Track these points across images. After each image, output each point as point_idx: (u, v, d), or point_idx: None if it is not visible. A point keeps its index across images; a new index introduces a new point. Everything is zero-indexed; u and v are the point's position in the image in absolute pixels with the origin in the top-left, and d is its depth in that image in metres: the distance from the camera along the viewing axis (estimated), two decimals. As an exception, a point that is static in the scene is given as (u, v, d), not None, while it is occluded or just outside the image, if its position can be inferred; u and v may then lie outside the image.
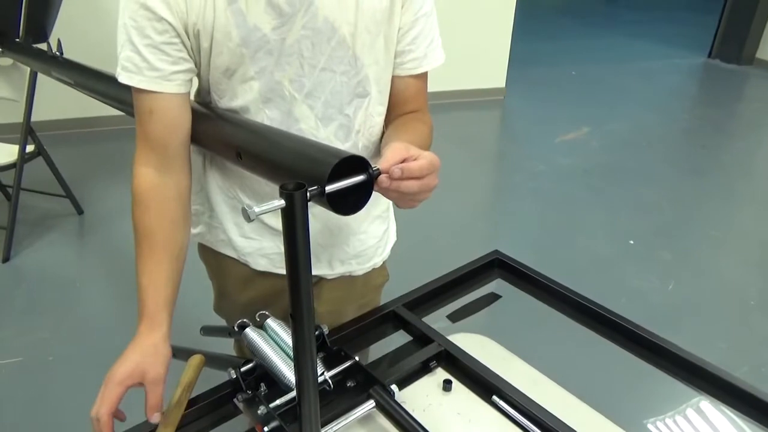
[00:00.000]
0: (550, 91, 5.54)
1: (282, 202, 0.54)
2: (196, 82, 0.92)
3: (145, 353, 0.79)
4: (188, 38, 0.83)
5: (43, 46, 2.26)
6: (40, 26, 2.52)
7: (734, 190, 3.68)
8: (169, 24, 0.80)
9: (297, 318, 0.60)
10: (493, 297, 1.13)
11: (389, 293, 1.13)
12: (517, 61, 5.10)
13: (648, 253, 2.88)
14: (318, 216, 1.00)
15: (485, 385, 0.88)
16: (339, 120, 0.93)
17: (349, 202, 0.63)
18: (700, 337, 2.26)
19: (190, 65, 0.85)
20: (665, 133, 4.59)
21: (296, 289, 0.59)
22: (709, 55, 6.76)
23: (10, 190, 2.75)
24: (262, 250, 1.03)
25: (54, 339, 2.18)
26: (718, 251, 2.98)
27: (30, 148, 2.71)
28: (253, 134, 0.83)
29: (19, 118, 2.66)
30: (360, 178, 0.61)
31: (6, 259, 2.63)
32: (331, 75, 0.88)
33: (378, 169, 0.63)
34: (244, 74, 0.86)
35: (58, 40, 1.91)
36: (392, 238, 1.17)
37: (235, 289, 1.10)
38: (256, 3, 0.81)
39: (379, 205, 1.09)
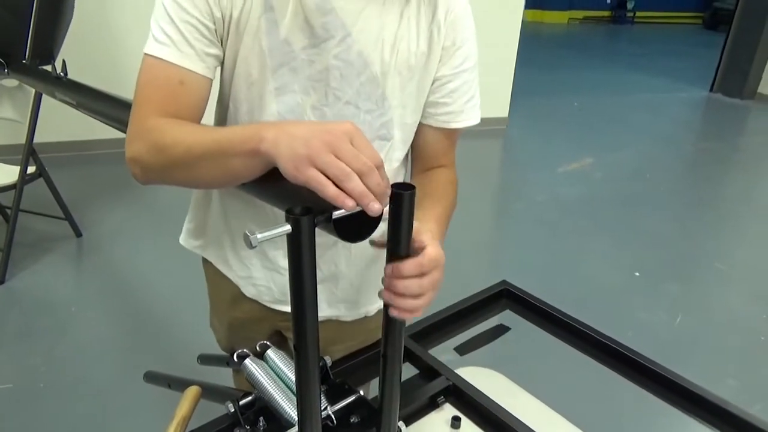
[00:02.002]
0: (552, 121, 5.57)
1: (288, 228, 0.51)
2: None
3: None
4: (223, 31, 0.79)
5: (49, 67, 2.26)
6: (47, 48, 2.53)
7: (739, 222, 3.66)
8: (210, 8, 0.77)
9: (301, 350, 0.57)
10: (502, 329, 1.09)
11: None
12: (520, 92, 5.13)
13: (654, 285, 2.84)
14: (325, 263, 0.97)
15: (495, 422, 0.84)
16: None
17: (355, 230, 0.60)
18: (710, 373, 2.21)
19: (221, 53, 0.81)
20: (669, 165, 4.59)
21: (301, 319, 0.55)
22: (711, 89, 6.82)
23: (9, 211, 2.72)
24: (252, 279, 1.00)
25: (46, 365, 2.13)
26: (725, 284, 2.94)
27: (31, 169, 2.70)
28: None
29: (21, 139, 2.65)
30: None
31: (1, 281, 2.58)
32: (355, 111, 0.85)
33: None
34: (264, 87, 0.83)
35: (63, 61, 1.91)
36: None
37: (223, 305, 1.08)
38: (293, 18, 0.78)
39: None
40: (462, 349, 1.04)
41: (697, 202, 3.92)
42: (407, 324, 1.02)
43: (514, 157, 4.85)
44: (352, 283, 1.01)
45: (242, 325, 1.07)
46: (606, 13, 13.44)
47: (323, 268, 0.99)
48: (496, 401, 0.86)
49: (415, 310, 0.65)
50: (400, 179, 0.98)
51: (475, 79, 0.93)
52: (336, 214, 0.55)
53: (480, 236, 3.38)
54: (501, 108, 5.05)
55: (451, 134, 0.95)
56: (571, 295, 2.65)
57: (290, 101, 0.84)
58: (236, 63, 0.82)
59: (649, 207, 3.74)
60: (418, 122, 0.93)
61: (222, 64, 0.84)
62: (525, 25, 4.87)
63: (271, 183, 0.64)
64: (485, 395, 0.87)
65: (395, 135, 0.90)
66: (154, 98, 0.77)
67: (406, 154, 0.97)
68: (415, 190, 0.58)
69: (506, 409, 0.84)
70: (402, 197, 0.57)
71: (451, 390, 0.90)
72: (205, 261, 1.09)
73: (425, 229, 0.68)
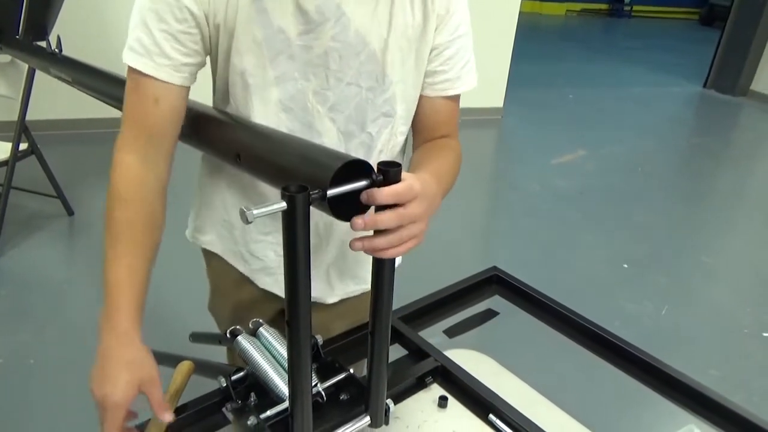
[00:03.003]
0: (547, 112, 5.58)
1: (283, 205, 0.52)
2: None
3: (133, 366, 0.73)
4: (209, 31, 0.79)
5: (44, 43, 2.24)
6: (41, 23, 2.50)
7: (727, 217, 3.70)
8: (191, 13, 0.76)
9: (293, 326, 0.58)
10: (491, 313, 1.11)
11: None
12: (516, 82, 5.13)
13: (642, 277, 2.87)
14: (334, 240, 0.99)
15: (481, 402, 0.85)
16: (361, 137, 0.90)
17: (351, 209, 0.61)
18: (693, 363, 2.24)
19: (200, 60, 0.82)
20: (660, 159, 4.62)
21: (294, 295, 0.57)
22: (705, 85, 6.85)
23: (0, 188, 2.71)
24: (268, 269, 1.01)
25: (36, 342, 2.13)
26: (712, 278, 2.98)
27: (23, 146, 2.69)
28: (255, 135, 0.81)
29: (14, 116, 2.63)
30: (363, 183, 0.59)
31: (-8, 258, 2.58)
32: (357, 90, 0.85)
33: (381, 176, 0.61)
34: (263, 78, 0.82)
35: (58, 37, 1.90)
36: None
37: (228, 288, 1.08)
38: (282, 5, 0.78)
39: None
40: (451, 332, 1.06)
41: (688, 197, 3.96)
42: (398, 305, 1.04)
43: (509, 148, 4.87)
44: (357, 259, 1.03)
45: (248, 307, 1.07)
46: (603, 6, 13.42)
47: (331, 249, 1.00)
48: (482, 382, 0.87)
49: (393, 245, 0.63)
50: (400, 156, 0.99)
51: (470, 43, 0.93)
52: (331, 192, 0.56)
53: (472, 225, 3.40)
54: (496, 98, 5.05)
55: (451, 102, 0.94)
56: (560, 285, 2.67)
57: (291, 89, 0.83)
58: (230, 59, 0.82)
59: (640, 200, 3.78)
60: (419, 95, 0.92)
61: (216, 62, 0.84)
62: (522, 16, 4.86)
63: (268, 161, 0.65)
64: (472, 376, 0.89)
65: (398, 110, 0.90)
66: (132, 115, 0.80)
67: (417, 131, 0.97)
68: (401, 167, 0.59)
69: (492, 389, 0.86)
70: (389, 173, 0.58)
71: (439, 371, 0.91)
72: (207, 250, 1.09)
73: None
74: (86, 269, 2.59)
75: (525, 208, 3.56)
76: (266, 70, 0.82)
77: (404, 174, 0.63)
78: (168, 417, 0.71)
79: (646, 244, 3.21)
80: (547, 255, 3.03)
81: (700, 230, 3.48)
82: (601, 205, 3.66)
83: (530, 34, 9.61)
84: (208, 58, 0.86)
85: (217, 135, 0.86)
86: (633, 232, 3.35)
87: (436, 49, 0.89)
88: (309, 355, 0.61)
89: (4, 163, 2.59)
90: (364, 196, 0.60)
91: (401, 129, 0.93)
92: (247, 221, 0.52)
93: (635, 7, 13.41)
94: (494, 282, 1.18)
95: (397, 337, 0.99)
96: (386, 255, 0.64)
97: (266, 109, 0.84)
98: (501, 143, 4.96)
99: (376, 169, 0.61)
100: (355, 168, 0.62)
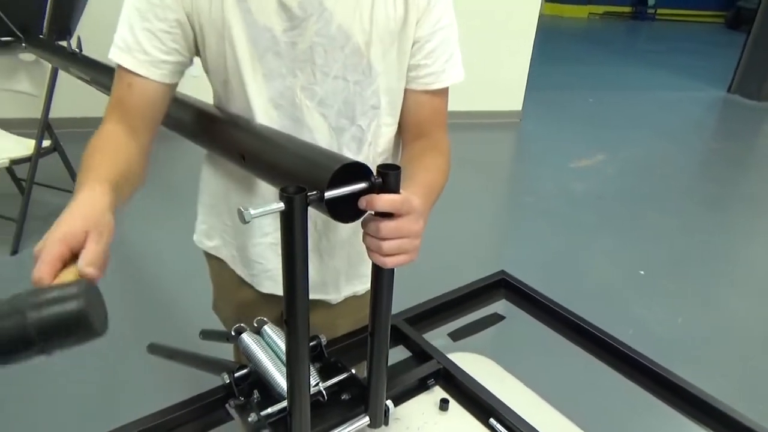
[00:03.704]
0: (566, 116, 5.54)
1: (281, 206, 0.53)
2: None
3: (82, 206, 0.64)
4: (192, 32, 0.83)
5: (65, 43, 2.28)
6: (64, 23, 2.55)
7: (747, 225, 3.63)
8: (173, 12, 0.80)
9: (291, 324, 0.59)
10: (497, 317, 1.11)
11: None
12: (536, 85, 5.10)
13: (658, 284, 2.84)
14: (345, 240, 1.00)
15: (483, 406, 0.85)
16: (351, 131, 0.91)
17: (350, 211, 0.61)
18: (707, 373, 2.21)
19: (182, 59, 0.85)
20: (681, 164, 4.56)
21: (292, 294, 0.58)
22: (729, 90, 6.73)
23: (23, 183, 2.77)
24: (269, 272, 1.03)
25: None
26: (730, 286, 2.93)
27: (46, 143, 2.74)
28: (258, 137, 0.83)
29: (38, 113, 2.68)
30: (361, 186, 0.60)
31: (14, 252, 2.64)
32: (344, 84, 0.87)
33: (380, 179, 0.61)
34: (253, 77, 0.85)
35: (78, 37, 1.93)
36: None
37: (231, 288, 1.10)
38: (266, 3, 0.80)
39: None
40: (456, 335, 1.06)
41: (708, 203, 3.90)
42: (403, 307, 1.05)
43: (527, 151, 4.84)
44: (364, 260, 1.04)
45: (250, 307, 1.08)
46: (627, 9, 13.27)
47: (344, 252, 1.02)
48: (484, 386, 0.88)
49: (391, 252, 0.64)
50: (391, 149, 0.99)
51: (453, 36, 0.92)
52: (328, 194, 0.57)
53: (486, 227, 3.39)
54: (515, 101, 5.03)
55: (436, 96, 0.94)
56: (574, 290, 2.66)
57: (279, 86, 0.85)
58: (219, 59, 0.84)
59: (658, 205, 3.73)
60: (403, 88, 0.93)
61: (203, 62, 0.87)
62: (543, 19, 4.83)
63: (270, 162, 0.66)
64: (474, 380, 0.89)
65: (383, 102, 0.91)
66: (114, 97, 0.85)
67: (398, 127, 0.97)
68: (400, 170, 0.60)
69: (494, 393, 0.86)
70: (388, 176, 0.59)
71: (442, 373, 0.91)
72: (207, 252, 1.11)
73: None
74: (104, 265, 2.63)
75: (541, 211, 3.54)
76: (255, 69, 0.84)
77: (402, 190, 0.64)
78: (92, 272, 0.60)
79: (664, 250, 3.17)
80: (561, 260, 3.01)
81: (719, 237, 3.43)
82: (619, 210, 3.62)
83: (551, 36, 9.54)
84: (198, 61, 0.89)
85: (223, 136, 0.88)
86: (651, 237, 3.31)
87: (418, 42, 0.89)
88: (307, 353, 0.62)
89: (27, 159, 2.64)
90: (362, 202, 0.62)
91: (386, 120, 0.94)
92: (244, 221, 0.53)
93: (659, 10, 13.23)
94: (502, 286, 1.18)
95: (401, 338, 1.00)
96: (376, 261, 0.65)
97: (259, 107, 0.87)
98: (519, 146, 4.93)
99: (375, 172, 0.61)
100: (354, 170, 0.63)
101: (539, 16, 4.75)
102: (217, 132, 0.90)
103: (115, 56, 0.83)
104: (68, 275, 0.58)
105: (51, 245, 0.59)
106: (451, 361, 0.93)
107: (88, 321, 0.51)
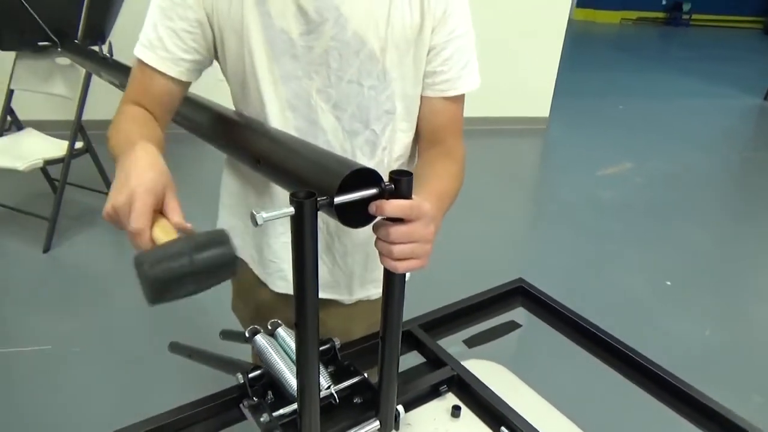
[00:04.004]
0: (595, 123, 5.47)
1: (291, 210, 0.54)
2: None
3: (157, 167, 0.67)
4: (212, 32, 0.86)
5: (97, 48, 2.34)
6: (98, 29, 2.63)
7: (780, 237, 3.54)
8: (194, 12, 0.83)
9: (301, 325, 0.60)
10: (513, 325, 1.10)
11: (408, 312, 1.12)
12: (564, 92, 5.05)
13: (685, 295, 2.78)
14: (360, 244, 1.00)
15: (495, 414, 0.85)
16: (365, 135, 0.92)
17: (360, 216, 0.62)
18: (735, 388, 2.15)
19: (200, 58, 0.88)
20: (712, 174, 4.46)
21: (302, 296, 0.59)
22: (766, 98, 6.57)
23: (56, 183, 2.85)
24: (282, 272, 1.04)
25: (83, 332, 2.23)
26: (759, 299, 2.85)
27: (79, 144, 2.82)
28: (272, 141, 0.84)
29: (71, 115, 2.77)
30: (371, 191, 0.61)
31: (46, 250, 2.72)
32: (358, 88, 0.88)
33: (391, 185, 0.62)
34: (270, 78, 0.87)
35: (109, 43, 1.99)
36: None
37: (249, 288, 1.12)
38: (284, 7, 0.82)
39: None
40: (471, 342, 1.05)
41: (738, 214, 3.81)
42: (421, 312, 1.05)
43: (553, 158, 4.79)
44: (378, 262, 1.05)
45: (267, 308, 1.10)
46: (660, 15, 13.04)
47: (359, 255, 1.02)
48: (497, 394, 0.87)
49: (402, 257, 0.65)
50: (407, 155, 1.00)
51: (469, 44, 0.92)
52: (338, 199, 0.58)
53: (509, 234, 3.36)
54: (542, 107, 4.99)
55: (452, 103, 0.95)
56: (597, 300, 2.63)
57: (296, 87, 0.87)
58: (238, 60, 0.87)
59: (687, 215, 3.65)
60: (419, 94, 0.94)
61: (221, 64, 0.89)
62: (574, 24, 4.79)
63: (283, 166, 0.67)
64: (487, 387, 0.89)
65: (397, 107, 0.92)
66: (131, 89, 0.90)
67: (414, 133, 0.98)
68: (412, 176, 0.61)
69: (507, 402, 0.86)
70: (400, 183, 0.60)
71: (455, 380, 0.91)
72: None
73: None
74: (133, 264, 2.68)
75: (565, 219, 3.50)
76: (272, 70, 0.86)
77: (414, 196, 0.64)
78: (189, 225, 0.65)
79: (692, 261, 3.11)
80: (586, 268, 2.97)
81: (749, 249, 3.34)
82: (646, 219, 3.56)
83: (582, 42, 9.44)
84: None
85: (239, 139, 0.90)
86: (678, 248, 3.24)
87: (434, 50, 0.90)
88: (317, 354, 0.63)
89: (61, 160, 2.72)
90: (372, 207, 0.62)
91: (401, 126, 0.95)
92: (256, 224, 0.54)
93: (694, 16, 12.97)
94: (519, 294, 1.17)
95: (415, 344, 1.00)
96: (387, 265, 0.66)
97: (275, 108, 0.89)
98: (545, 153, 4.88)
99: (387, 178, 0.62)
100: (365, 176, 0.64)
101: (570, 22, 4.71)
102: (233, 135, 0.92)
103: (138, 52, 0.87)
104: (162, 228, 0.64)
105: (142, 197, 0.63)
106: (464, 368, 0.93)
107: (236, 262, 0.60)
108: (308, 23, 0.83)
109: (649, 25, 12.79)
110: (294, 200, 0.54)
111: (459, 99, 0.95)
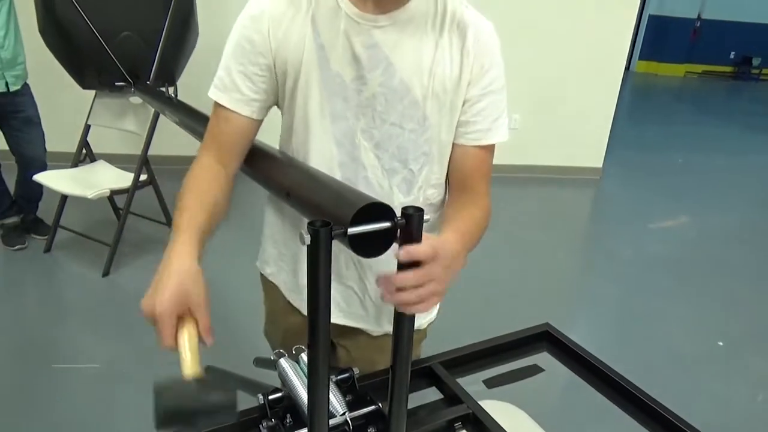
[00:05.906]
0: (651, 176, 5.36)
1: (308, 238, 0.60)
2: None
3: (183, 276, 0.75)
4: (275, 74, 0.95)
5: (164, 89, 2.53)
6: (169, 72, 2.84)
7: None
8: (264, 58, 0.92)
9: (313, 347, 0.64)
10: (535, 369, 1.10)
11: (433, 348, 1.14)
12: (621, 143, 5.00)
13: (738, 357, 2.65)
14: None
15: (506, 454, 0.86)
16: (403, 174, 0.99)
17: (370, 246, 0.67)
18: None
19: (268, 98, 0.97)
20: (772, 233, 4.27)
21: (314, 321, 0.63)
22: (837, 157, 6.27)
23: (120, 211, 3.04)
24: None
25: (133, 355, 2.33)
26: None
27: (143, 177, 3.00)
28: (299, 174, 0.92)
29: (139, 150, 2.97)
30: (384, 225, 0.66)
31: (105, 274, 2.88)
32: (399, 131, 0.95)
33: (403, 220, 0.67)
34: (321, 116, 0.95)
35: (175, 85, 2.15)
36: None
37: (281, 314, 1.18)
38: (342, 53, 0.91)
39: None
40: (490, 383, 1.06)
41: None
42: (440, 350, 1.08)
43: (605, 209, 4.71)
44: None
45: (297, 333, 1.16)
46: (728, 69, 12.73)
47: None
48: (510, 435, 0.88)
49: (412, 302, 0.69)
50: (440, 199, 1.06)
51: (503, 100, 0.99)
52: (352, 230, 0.63)
53: (554, 285, 3.30)
54: (595, 158, 4.94)
55: (481, 152, 1.00)
56: (642, 357, 2.55)
57: (343, 126, 0.95)
58: (294, 97, 0.95)
59: (743, 274, 3.50)
60: (451, 141, 1.00)
61: (280, 100, 0.98)
62: (636, 77, 4.77)
63: (307, 198, 0.73)
64: (501, 427, 0.90)
65: (434, 150, 0.99)
66: (210, 131, 0.98)
67: (446, 177, 1.04)
68: (423, 212, 0.65)
69: (519, 443, 0.86)
70: (412, 218, 0.64)
71: (471, 418, 0.93)
72: (264, 277, 1.21)
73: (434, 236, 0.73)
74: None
75: (615, 272, 3.42)
76: (323, 109, 0.94)
77: (425, 235, 0.69)
78: (211, 341, 0.75)
79: (746, 322, 2.97)
80: (632, 324, 2.88)
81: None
82: (700, 276, 3.43)
83: (643, 95, 9.31)
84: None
85: (271, 172, 0.99)
86: (732, 307, 3.10)
87: (469, 101, 0.96)
88: (327, 375, 0.67)
89: (125, 190, 2.91)
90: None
91: (435, 168, 1.01)
92: (303, 243, 0.60)
93: (765, 70, 12.60)
94: (544, 339, 1.18)
95: (435, 380, 1.02)
96: (408, 311, 0.71)
97: (322, 143, 0.97)
98: (597, 204, 4.81)
99: (399, 213, 0.67)
100: (380, 210, 0.69)
101: (631, 74, 4.69)
102: (271, 171, 0.99)
103: (213, 95, 0.96)
104: (187, 335, 0.75)
105: (162, 317, 0.73)
106: (480, 408, 0.94)
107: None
108: (360, 69, 0.91)
109: (715, 80, 12.49)
110: (311, 229, 0.59)
111: (488, 149, 1.01)
